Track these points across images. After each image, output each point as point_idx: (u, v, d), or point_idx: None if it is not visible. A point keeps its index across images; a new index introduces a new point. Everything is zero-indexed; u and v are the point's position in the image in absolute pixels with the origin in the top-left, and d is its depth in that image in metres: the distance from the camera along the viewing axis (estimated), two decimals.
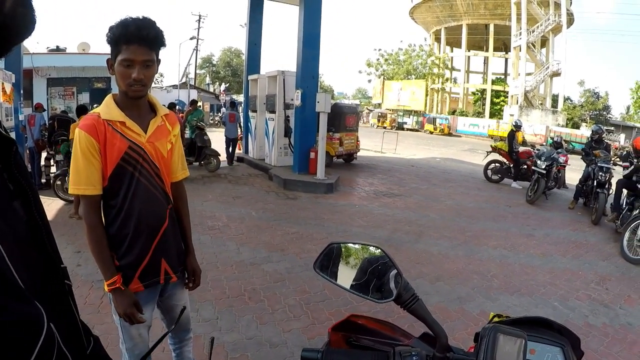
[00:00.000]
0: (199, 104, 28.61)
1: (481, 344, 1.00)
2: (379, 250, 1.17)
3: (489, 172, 13.85)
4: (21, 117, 10.72)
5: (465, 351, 1.15)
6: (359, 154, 16.30)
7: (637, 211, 7.74)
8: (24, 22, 0.64)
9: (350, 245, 1.23)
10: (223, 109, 34.62)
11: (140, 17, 2.02)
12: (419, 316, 1.09)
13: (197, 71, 59.35)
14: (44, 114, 11.28)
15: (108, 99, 2.15)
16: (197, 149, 12.52)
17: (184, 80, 45.10)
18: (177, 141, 2.39)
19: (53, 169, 10.15)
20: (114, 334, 3.02)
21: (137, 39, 1.96)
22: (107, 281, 2.11)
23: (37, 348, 0.63)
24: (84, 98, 22.39)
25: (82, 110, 8.71)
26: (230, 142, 14.70)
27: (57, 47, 24.88)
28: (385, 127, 42.30)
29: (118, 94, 2.14)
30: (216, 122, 35.96)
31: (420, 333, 1.28)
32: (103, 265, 2.10)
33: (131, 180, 2.12)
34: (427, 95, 54.43)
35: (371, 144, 24.18)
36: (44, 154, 10.65)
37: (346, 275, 1.18)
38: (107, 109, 2.09)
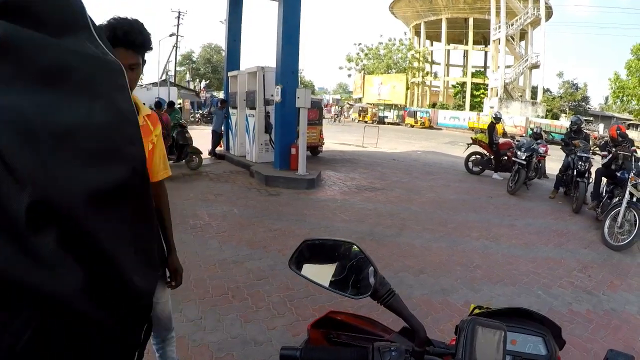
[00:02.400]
0: (179, 102, 28.39)
1: (460, 337, 0.99)
2: (354, 246, 1.16)
3: (470, 164, 13.96)
4: None
5: (445, 344, 1.14)
6: (336, 147, 16.34)
7: (617, 199, 7.85)
8: None
9: (325, 242, 1.22)
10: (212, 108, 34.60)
11: (128, 21, 1.98)
12: (395, 311, 1.08)
13: (177, 68, 58.96)
14: None
15: None
16: (179, 147, 12.42)
17: (164, 77, 44.75)
18: (159, 141, 2.35)
19: None
20: None
21: (124, 43, 1.93)
22: None
23: None
24: None
25: (158, 105, 8.93)
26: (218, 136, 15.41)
27: None
28: (366, 122, 42.36)
29: None
30: (197, 119, 35.74)
31: (400, 328, 1.28)
32: None
33: None
34: (407, 89, 54.71)
35: (352, 138, 24.24)
36: None
37: (322, 272, 1.17)
38: None
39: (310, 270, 1.19)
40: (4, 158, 0.48)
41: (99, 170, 0.57)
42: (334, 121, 47.38)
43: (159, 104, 13.00)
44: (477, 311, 1.22)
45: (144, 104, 2.42)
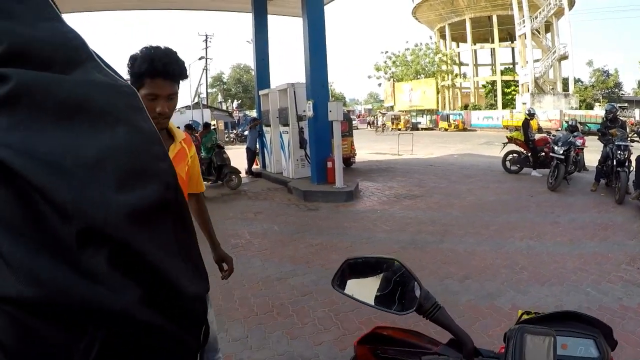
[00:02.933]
0: (213, 123, 28.84)
1: (508, 346, 0.98)
2: (396, 262, 1.16)
3: (508, 163, 13.70)
4: None
5: (494, 353, 1.13)
6: (371, 157, 16.29)
7: None
8: None
9: (366, 259, 1.22)
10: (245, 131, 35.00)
11: (164, 50, 2.02)
12: (442, 324, 1.08)
13: (209, 90, 59.94)
14: None
15: None
16: (217, 168, 12.59)
17: (196, 100, 45.56)
18: (194, 160, 2.45)
19: None
20: None
21: (163, 74, 1.98)
22: None
23: None
24: None
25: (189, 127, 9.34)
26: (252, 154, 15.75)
27: None
28: (399, 129, 42.18)
29: None
30: (231, 139, 36.21)
31: (448, 339, 1.27)
32: None
33: None
34: (438, 93, 54.33)
35: (387, 147, 24.16)
36: None
37: (365, 289, 1.17)
38: None
39: (354, 288, 1.19)
40: (46, 196, 0.52)
41: (134, 190, 0.59)
42: (382, 131, 47.26)
43: (190, 127, 13.24)
44: (525, 317, 1.21)
45: (178, 127, 2.50)
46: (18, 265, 0.50)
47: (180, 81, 2.10)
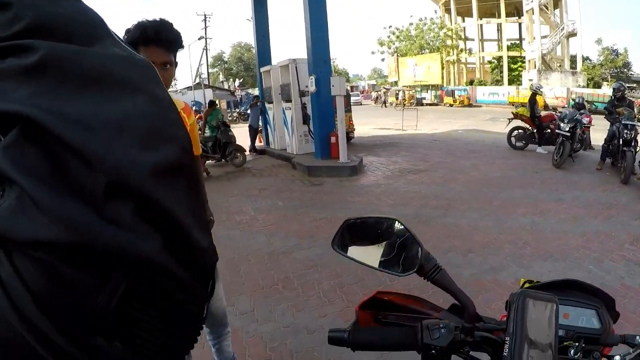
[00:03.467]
0: (217, 102, 28.79)
1: (510, 311, 0.98)
2: (396, 222, 1.16)
3: (513, 139, 13.60)
4: None
5: (496, 320, 1.13)
6: (376, 133, 16.24)
7: None
8: None
9: (367, 219, 1.22)
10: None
11: (157, 20, 2.03)
12: (443, 286, 1.08)
13: (210, 70, 59.61)
14: None
15: None
16: (222, 145, 12.60)
17: (197, 80, 45.38)
18: (193, 127, 2.45)
19: None
20: None
21: (155, 41, 1.98)
22: None
23: None
24: None
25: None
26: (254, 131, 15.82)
27: None
28: (404, 105, 41.97)
29: None
30: (234, 118, 36.13)
31: (449, 305, 1.27)
32: None
33: None
34: (443, 68, 53.85)
35: (391, 122, 24.04)
36: None
37: (365, 251, 1.17)
38: None
39: (355, 250, 1.19)
40: (75, 151, 0.56)
41: (156, 150, 0.65)
42: (382, 107, 47.08)
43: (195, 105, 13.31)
44: (527, 285, 1.20)
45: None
46: (53, 212, 0.54)
47: (176, 50, 2.09)
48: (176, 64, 2.14)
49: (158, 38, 1.98)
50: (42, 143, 0.56)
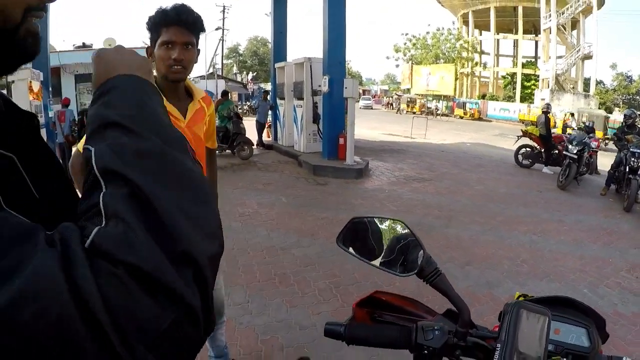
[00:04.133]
0: (230, 93, 28.84)
1: (504, 320, 0.99)
2: (401, 224, 1.18)
3: (520, 157, 13.58)
4: (51, 114, 11.04)
5: (489, 329, 1.15)
6: (384, 138, 16.22)
7: None
8: (31, 52, 0.75)
9: (373, 219, 1.24)
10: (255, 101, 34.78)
11: (178, 4, 2.05)
12: (441, 290, 1.10)
13: (224, 61, 59.55)
14: (72, 109, 11.50)
15: None
16: (232, 137, 12.63)
17: (211, 70, 45.30)
18: (212, 118, 2.48)
19: None
20: None
21: (177, 22, 2.01)
22: None
23: None
24: None
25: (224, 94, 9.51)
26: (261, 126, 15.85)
27: (84, 43, 25.01)
28: (414, 113, 41.90)
29: (157, 77, 2.14)
30: (244, 111, 36.14)
31: (444, 310, 1.29)
32: None
33: None
34: (456, 79, 53.68)
35: (400, 129, 24.04)
36: (74, 149, 10.85)
37: (368, 250, 1.19)
38: None
39: (358, 248, 1.21)
40: (166, 225, 0.65)
41: (213, 243, 0.73)
42: (397, 113, 47.06)
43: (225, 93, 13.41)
44: (521, 299, 1.22)
45: None
46: (148, 250, 0.62)
47: (198, 33, 2.12)
48: (198, 51, 2.16)
49: (179, 19, 2.01)
50: (140, 202, 0.65)
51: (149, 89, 0.84)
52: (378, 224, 1.24)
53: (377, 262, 1.17)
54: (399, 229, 1.19)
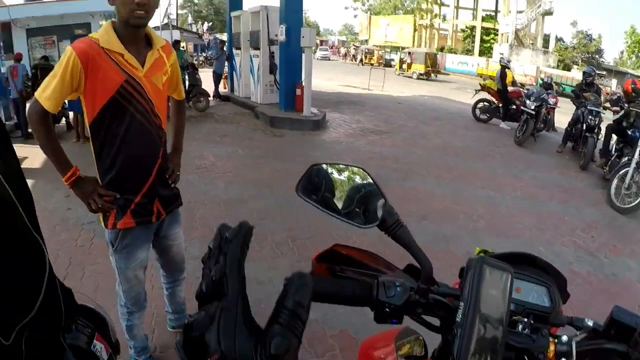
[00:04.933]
0: (182, 44, 28.08)
1: (467, 276, 0.96)
2: (363, 171, 1.13)
3: (478, 111, 13.66)
4: (3, 70, 10.77)
5: (450, 286, 1.13)
6: (341, 90, 16.21)
7: (626, 158, 7.42)
8: None
9: (333, 165, 1.19)
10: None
11: None
12: (403, 243, 1.06)
13: (179, 11, 57.84)
14: (24, 64, 11.14)
15: (107, 26, 2.09)
16: (188, 87, 12.36)
17: (165, 21, 43.93)
18: (174, 68, 2.39)
19: None
20: (107, 275, 3.06)
21: None
22: (64, 177, 2.09)
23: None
24: (65, 45, 21.87)
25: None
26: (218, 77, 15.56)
27: None
28: (372, 64, 41.68)
29: (117, 22, 2.08)
30: (200, 62, 35.32)
31: (404, 266, 1.26)
32: (57, 162, 2.08)
33: (124, 115, 2.09)
34: (415, 31, 53.52)
35: (358, 81, 23.92)
36: (28, 104, 10.51)
37: (328, 199, 1.14)
38: (107, 36, 2.03)
39: (316, 196, 1.16)
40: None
41: None
42: (359, 65, 46.73)
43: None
44: (482, 255, 1.20)
45: None
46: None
47: None
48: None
49: None
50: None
51: None
52: (338, 171, 1.19)
53: (338, 212, 1.12)
54: (359, 178, 1.14)
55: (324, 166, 1.19)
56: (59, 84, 1.95)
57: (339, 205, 1.13)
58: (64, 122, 10.63)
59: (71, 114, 9.69)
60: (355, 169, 1.15)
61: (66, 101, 9.16)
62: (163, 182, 2.37)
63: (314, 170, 1.18)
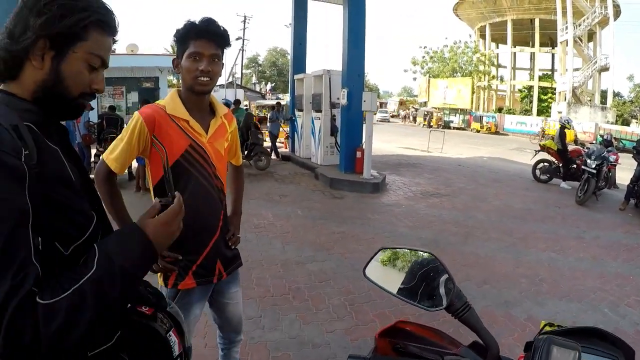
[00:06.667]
0: (245, 103, 29.08)
1: (534, 356, 0.96)
2: (430, 255, 1.14)
3: (538, 171, 13.42)
4: None
5: None
6: (401, 152, 16.25)
7: None
8: (72, 116, 1.23)
9: (401, 250, 1.21)
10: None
11: (207, 17, 2.10)
12: (470, 325, 1.06)
13: (244, 71, 60.18)
14: (87, 112, 11.75)
15: (173, 93, 2.20)
16: (249, 146, 12.70)
17: (230, 80, 45.75)
18: (234, 135, 2.49)
19: None
20: None
21: (206, 34, 2.05)
22: None
23: None
24: (133, 97, 23.10)
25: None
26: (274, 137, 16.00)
27: None
28: (431, 126, 41.78)
29: (182, 90, 2.19)
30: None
31: (468, 341, 1.25)
32: (119, 220, 2.13)
33: (189, 179, 2.16)
34: (473, 92, 53.51)
35: (417, 142, 23.98)
36: (93, 151, 11.05)
37: (396, 281, 1.16)
38: (173, 104, 2.14)
39: (385, 278, 1.18)
40: None
41: None
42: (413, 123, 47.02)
43: (226, 104, 13.37)
44: (548, 328, 1.18)
45: None
46: None
47: (225, 47, 2.15)
48: (223, 64, 2.20)
49: (208, 31, 2.05)
50: None
51: None
52: (406, 254, 1.20)
53: (409, 296, 1.13)
54: (426, 261, 1.16)
55: (392, 249, 1.21)
56: (126, 147, 2.06)
57: (406, 286, 1.14)
58: (127, 172, 11.05)
59: (134, 164, 10.09)
60: (423, 253, 1.16)
61: None
62: (225, 243, 2.42)
63: (381, 253, 1.20)
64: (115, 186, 2.19)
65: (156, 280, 2.20)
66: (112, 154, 2.08)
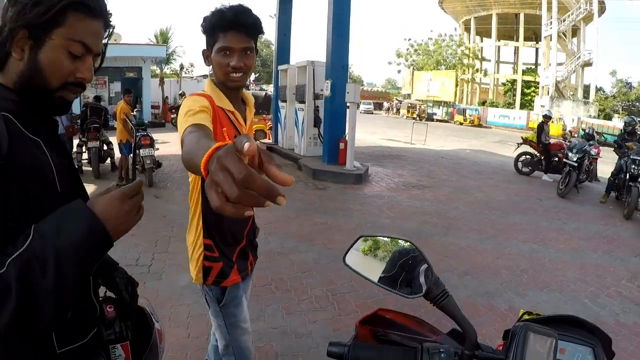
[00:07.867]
0: None
1: (511, 343, 0.98)
2: (410, 243, 1.15)
3: (520, 164, 13.60)
4: None
5: (493, 349, 1.13)
6: (384, 143, 16.32)
7: None
8: (58, 112, 1.18)
9: (381, 238, 1.21)
10: None
11: (235, 5, 1.94)
12: (448, 312, 1.07)
13: None
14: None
15: (212, 84, 2.05)
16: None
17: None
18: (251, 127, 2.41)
19: (85, 156, 10.45)
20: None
21: (235, 26, 1.88)
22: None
23: None
24: (116, 87, 22.92)
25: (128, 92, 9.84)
26: None
27: None
28: (414, 118, 41.89)
29: (215, 81, 2.05)
30: None
31: (447, 329, 1.27)
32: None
33: None
34: (456, 85, 53.75)
35: (400, 134, 24.03)
36: (75, 141, 10.88)
37: (376, 269, 1.16)
38: (218, 96, 2.00)
39: (365, 266, 1.19)
40: None
41: None
42: (396, 114, 47.14)
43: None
44: (526, 317, 1.20)
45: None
46: None
47: (256, 36, 2.00)
48: (257, 51, 2.04)
49: (237, 22, 1.88)
50: None
51: None
52: (386, 242, 1.21)
53: (386, 283, 1.14)
54: (405, 249, 1.17)
55: (371, 237, 1.22)
56: (204, 115, 1.71)
57: (386, 274, 1.15)
58: (109, 162, 10.98)
59: (117, 154, 9.96)
60: (403, 241, 1.17)
61: (118, 142, 9.50)
62: (253, 234, 2.40)
63: (361, 241, 1.21)
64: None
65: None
66: (192, 119, 1.62)
